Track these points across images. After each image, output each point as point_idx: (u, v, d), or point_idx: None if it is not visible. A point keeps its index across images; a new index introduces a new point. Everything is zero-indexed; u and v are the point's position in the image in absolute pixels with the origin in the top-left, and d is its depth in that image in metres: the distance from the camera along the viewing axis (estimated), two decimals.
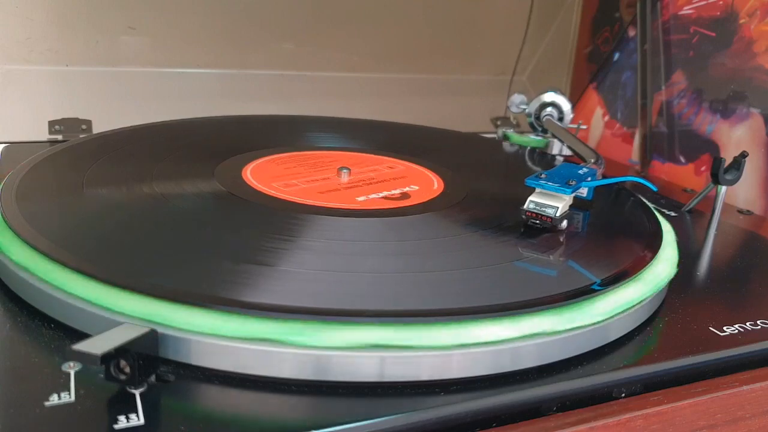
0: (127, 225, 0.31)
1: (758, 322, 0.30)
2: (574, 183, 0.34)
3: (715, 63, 0.55)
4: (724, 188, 0.43)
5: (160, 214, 0.33)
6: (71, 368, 0.23)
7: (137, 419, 0.20)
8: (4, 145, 0.48)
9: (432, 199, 0.38)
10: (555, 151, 0.55)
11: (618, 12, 0.67)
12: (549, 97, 0.56)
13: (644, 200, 0.41)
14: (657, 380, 0.26)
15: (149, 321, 0.23)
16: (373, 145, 0.49)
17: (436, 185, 0.41)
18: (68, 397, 0.21)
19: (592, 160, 0.42)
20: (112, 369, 0.21)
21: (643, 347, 0.28)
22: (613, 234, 0.36)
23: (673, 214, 0.45)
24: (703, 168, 0.56)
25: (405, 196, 0.38)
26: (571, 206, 0.35)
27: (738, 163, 0.43)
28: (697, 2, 0.56)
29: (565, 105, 0.55)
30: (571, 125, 0.56)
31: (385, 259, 0.30)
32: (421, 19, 0.72)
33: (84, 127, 0.52)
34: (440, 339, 0.24)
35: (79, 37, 0.59)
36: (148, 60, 0.62)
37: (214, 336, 0.23)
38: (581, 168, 0.38)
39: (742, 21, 0.52)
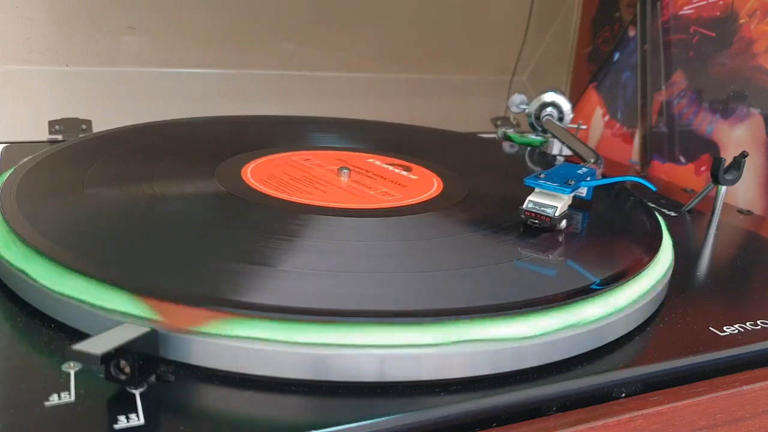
0: (127, 225, 0.31)
1: (758, 322, 0.30)
2: (573, 183, 0.34)
3: (715, 63, 0.55)
4: (724, 188, 0.43)
5: (160, 214, 0.33)
6: (71, 368, 0.23)
7: (137, 419, 0.20)
8: (4, 145, 0.48)
9: (432, 199, 0.38)
10: (555, 151, 0.55)
11: (618, 12, 0.67)
12: (549, 97, 0.56)
13: (644, 200, 0.41)
14: (657, 380, 0.26)
15: (149, 321, 0.23)
16: (373, 145, 0.49)
17: (436, 185, 0.41)
18: (68, 397, 0.21)
19: (592, 160, 0.42)
20: (112, 369, 0.21)
21: (643, 347, 0.28)
22: (612, 234, 0.36)
23: (673, 214, 0.45)
24: (703, 168, 0.56)
25: (405, 195, 0.38)
26: (570, 206, 0.35)
27: (738, 163, 0.43)
28: (697, 2, 0.56)
29: (565, 105, 0.55)
30: (571, 125, 0.56)
31: (385, 259, 0.30)
32: (421, 19, 0.72)
33: (84, 127, 0.52)
34: (440, 339, 0.24)
35: (79, 37, 0.59)
36: (148, 60, 0.62)
37: (214, 336, 0.23)
38: (580, 168, 0.38)
39: (742, 21, 0.52)
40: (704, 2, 0.56)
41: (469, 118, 0.73)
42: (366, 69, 0.71)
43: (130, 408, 0.21)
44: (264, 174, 0.40)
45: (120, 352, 0.20)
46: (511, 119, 0.68)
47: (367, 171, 0.43)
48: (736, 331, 0.29)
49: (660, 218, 0.38)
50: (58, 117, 0.52)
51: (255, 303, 0.24)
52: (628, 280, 0.29)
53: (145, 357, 0.22)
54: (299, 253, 0.29)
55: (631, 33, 0.64)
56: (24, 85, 0.58)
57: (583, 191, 0.38)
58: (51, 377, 0.22)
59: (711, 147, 0.55)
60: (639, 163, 0.62)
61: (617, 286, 0.28)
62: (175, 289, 0.25)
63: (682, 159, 0.58)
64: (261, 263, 0.27)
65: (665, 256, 0.33)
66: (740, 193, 0.52)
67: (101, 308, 0.24)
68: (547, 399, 0.24)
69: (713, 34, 0.55)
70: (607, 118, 0.67)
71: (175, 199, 0.34)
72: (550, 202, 0.33)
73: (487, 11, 0.75)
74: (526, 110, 0.56)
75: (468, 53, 0.76)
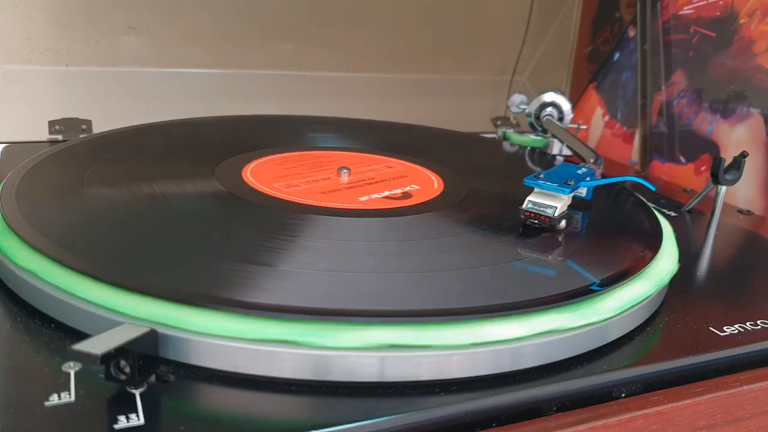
0: (127, 225, 0.31)
1: (758, 322, 0.30)
2: (572, 183, 0.34)
3: (715, 63, 0.55)
4: (724, 188, 0.43)
5: (160, 214, 0.33)
6: (71, 368, 0.23)
7: (137, 419, 0.20)
8: (4, 145, 0.48)
9: (432, 199, 0.38)
10: (555, 151, 0.55)
11: (618, 12, 0.67)
12: (549, 97, 0.56)
13: (643, 200, 0.41)
14: (657, 380, 0.26)
15: (149, 321, 0.23)
16: (373, 145, 0.49)
17: (436, 185, 0.41)
18: (68, 397, 0.21)
19: (592, 160, 0.42)
20: (112, 369, 0.21)
21: (643, 347, 0.28)
22: (612, 234, 0.36)
23: (673, 214, 0.45)
24: (703, 168, 0.56)
25: (405, 195, 0.38)
26: (570, 206, 0.35)
27: (738, 163, 0.43)
28: (697, 2, 0.56)
29: (565, 105, 0.55)
30: (571, 125, 0.56)
31: (385, 259, 0.30)
32: (421, 19, 0.72)
33: (84, 127, 0.52)
34: (440, 339, 0.24)
35: (79, 37, 0.59)
36: (148, 60, 0.62)
37: (214, 336, 0.23)
38: (580, 168, 0.38)
39: (742, 21, 0.52)
40: (704, 2, 0.56)
41: (469, 118, 0.73)
42: (366, 69, 0.71)
43: (130, 408, 0.21)
44: (264, 174, 0.40)
45: (120, 352, 0.21)
46: (511, 119, 0.68)
47: (367, 171, 0.43)
48: (736, 331, 0.29)
49: (661, 218, 0.38)
50: (58, 117, 0.52)
51: (255, 303, 0.24)
52: (628, 281, 0.29)
53: (145, 357, 0.22)
54: (299, 253, 0.29)
55: (631, 33, 0.64)
56: (24, 85, 0.58)
57: (582, 191, 0.38)
58: (51, 377, 0.22)
59: (711, 147, 0.55)
60: (639, 163, 0.62)
61: (617, 287, 0.28)
62: (175, 288, 0.25)
63: (682, 159, 0.58)
64: (261, 263, 0.27)
65: (665, 257, 0.33)
66: (740, 193, 0.52)
67: (101, 308, 0.24)
68: (547, 399, 0.24)
69: (713, 34, 0.55)
70: (607, 118, 0.67)
71: (175, 199, 0.34)
72: (549, 202, 0.33)
73: (487, 11, 0.75)
74: (526, 110, 0.56)
75: (468, 53, 0.76)
